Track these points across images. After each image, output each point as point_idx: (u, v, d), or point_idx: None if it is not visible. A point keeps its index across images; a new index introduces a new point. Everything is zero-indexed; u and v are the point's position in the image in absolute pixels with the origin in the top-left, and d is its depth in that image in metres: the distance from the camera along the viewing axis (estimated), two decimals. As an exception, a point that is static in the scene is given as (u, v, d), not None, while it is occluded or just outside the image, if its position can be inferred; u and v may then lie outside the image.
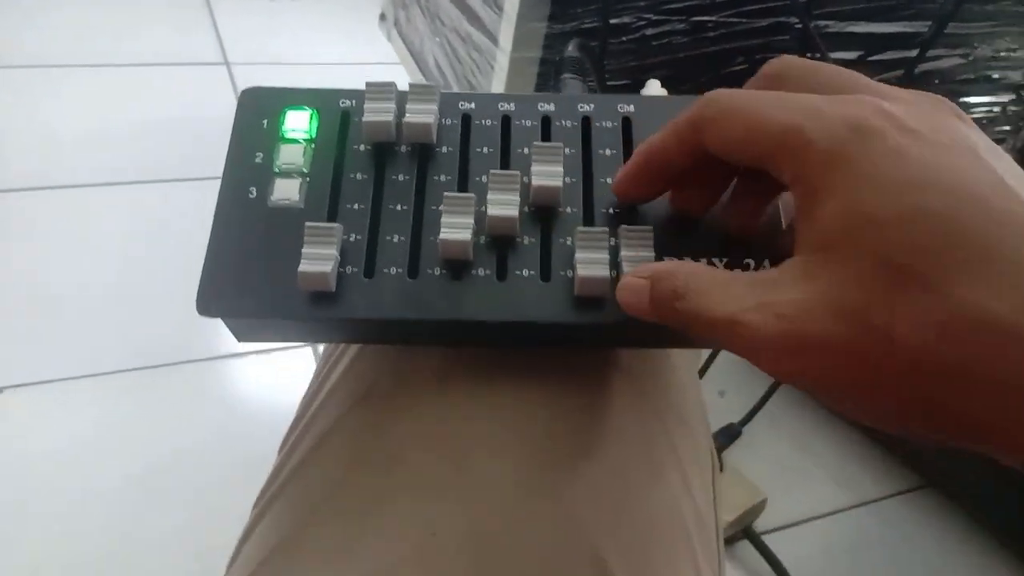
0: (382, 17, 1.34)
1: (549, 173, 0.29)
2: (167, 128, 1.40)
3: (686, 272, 0.25)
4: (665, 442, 0.32)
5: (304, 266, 0.27)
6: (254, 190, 0.30)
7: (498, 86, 0.82)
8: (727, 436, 0.93)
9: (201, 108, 1.45)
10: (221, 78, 1.56)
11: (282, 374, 1.04)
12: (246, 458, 0.91)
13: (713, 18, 0.84)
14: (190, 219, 1.15)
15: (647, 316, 0.25)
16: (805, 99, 0.23)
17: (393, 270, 0.28)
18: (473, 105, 0.32)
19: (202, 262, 0.29)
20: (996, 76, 1.08)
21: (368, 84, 0.31)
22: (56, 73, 1.50)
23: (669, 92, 0.91)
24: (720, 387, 1.05)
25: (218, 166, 0.31)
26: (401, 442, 0.30)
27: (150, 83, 1.52)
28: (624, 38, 0.82)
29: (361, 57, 1.66)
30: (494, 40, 0.83)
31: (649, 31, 0.83)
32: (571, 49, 0.38)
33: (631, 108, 0.32)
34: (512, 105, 0.32)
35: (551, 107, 0.32)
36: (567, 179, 0.30)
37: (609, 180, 0.30)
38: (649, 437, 0.32)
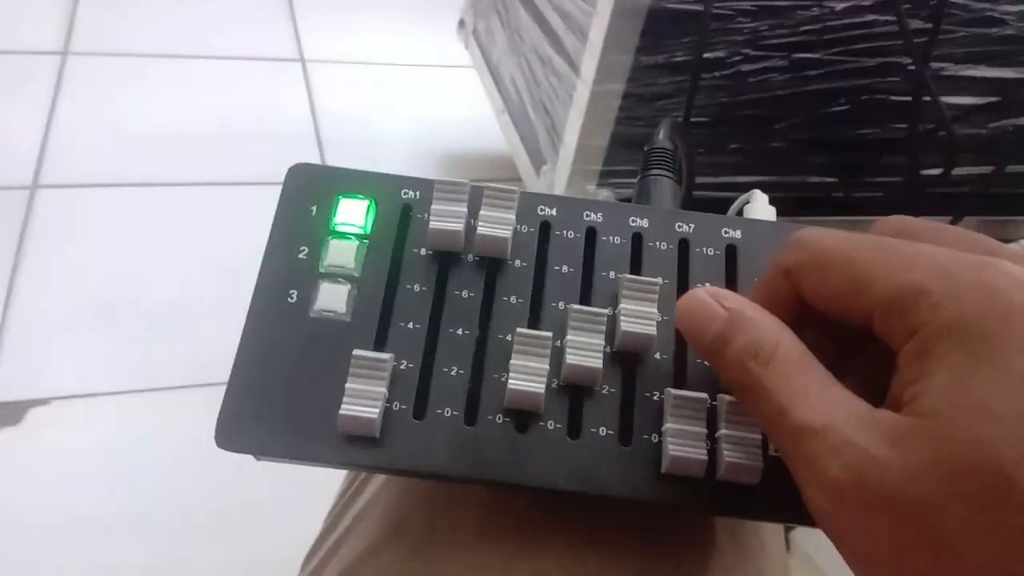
0: (461, 23, 1.30)
1: (642, 316, 0.24)
2: (237, 127, 1.38)
3: (782, 337, 0.21)
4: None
5: (347, 408, 0.23)
6: (295, 293, 0.26)
7: (576, 118, 0.77)
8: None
9: (274, 106, 1.43)
10: (295, 75, 1.54)
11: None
12: (286, 481, 0.88)
13: (817, 55, 0.78)
14: (246, 225, 1.13)
15: (696, 346, 0.23)
16: (925, 255, 0.20)
17: (448, 411, 0.24)
18: (554, 212, 0.27)
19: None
20: None
21: (438, 183, 0.26)
22: (125, 63, 1.49)
23: (761, 133, 0.84)
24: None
25: (281, 171, 0.27)
26: None
27: (223, 78, 1.51)
28: (717, 73, 0.76)
29: (437, 60, 1.62)
30: (575, 68, 0.77)
31: (745, 67, 0.76)
32: (661, 136, 0.33)
33: (737, 234, 0.27)
34: (599, 216, 0.27)
35: (644, 223, 0.27)
36: (661, 317, 0.25)
37: None
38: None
